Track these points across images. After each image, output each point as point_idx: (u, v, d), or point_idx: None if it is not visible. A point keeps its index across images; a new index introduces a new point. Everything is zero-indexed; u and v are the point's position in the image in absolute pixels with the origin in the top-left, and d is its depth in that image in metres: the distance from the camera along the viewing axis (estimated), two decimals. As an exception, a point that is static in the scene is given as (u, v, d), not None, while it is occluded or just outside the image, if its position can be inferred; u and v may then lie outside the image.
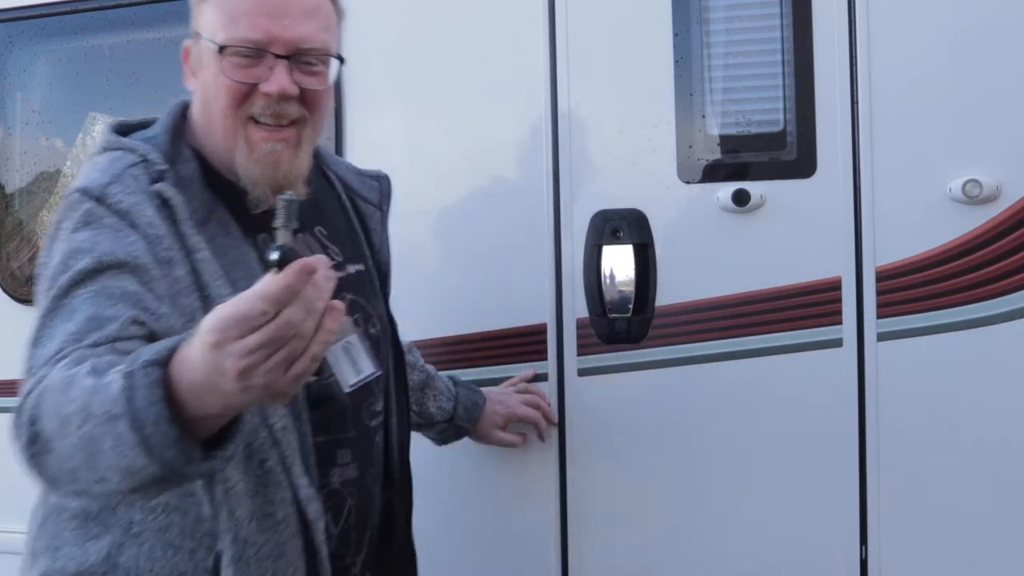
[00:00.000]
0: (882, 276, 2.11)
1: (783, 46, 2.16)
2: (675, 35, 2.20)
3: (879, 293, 2.11)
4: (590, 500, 2.24)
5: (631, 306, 2.20)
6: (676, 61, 2.20)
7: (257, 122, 1.45)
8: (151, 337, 1.30)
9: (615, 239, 2.21)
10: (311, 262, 1.04)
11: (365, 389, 1.57)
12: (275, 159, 1.45)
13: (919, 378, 2.10)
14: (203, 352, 1.06)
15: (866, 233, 2.12)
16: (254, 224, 1.48)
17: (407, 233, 2.04)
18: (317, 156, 1.62)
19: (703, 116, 2.20)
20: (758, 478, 2.17)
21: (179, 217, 1.40)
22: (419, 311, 2.20)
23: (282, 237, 1.05)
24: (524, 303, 2.26)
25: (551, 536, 2.26)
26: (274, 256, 1.04)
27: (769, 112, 2.18)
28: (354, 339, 1.30)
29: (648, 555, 2.23)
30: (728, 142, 2.20)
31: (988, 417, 2.08)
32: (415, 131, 2.38)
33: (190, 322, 1.28)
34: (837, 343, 2.13)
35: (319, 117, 1.51)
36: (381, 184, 1.78)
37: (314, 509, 1.46)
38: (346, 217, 1.69)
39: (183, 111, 1.55)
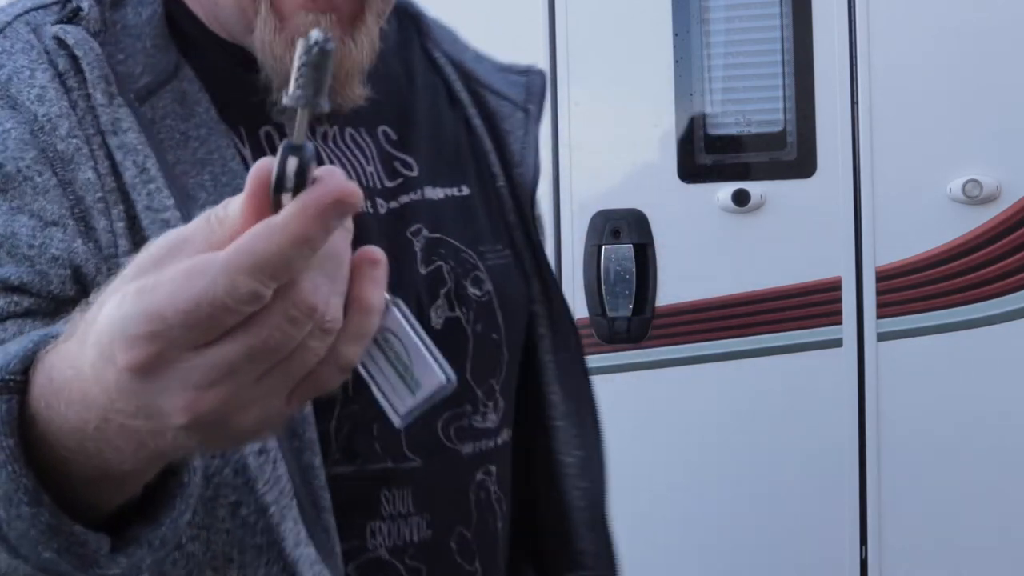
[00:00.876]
0: (882, 276, 2.11)
1: (783, 46, 2.16)
2: (675, 35, 2.20)
3: (879, 293, 2.11)
4: (590, 500, 2.24)
5: (631, 306, 2.20)
6: (676, 61, 2.20)
7: None
8: (50, 309, 0.74)
9: (615, 239, 2.21)
10: (346, 187, 0.49)
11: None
12: None
13: (919, 378, 2.10)
14: (111, 378, 0.51)
15: (866, 233, 2.12)
16: (250, 107, 0.84)
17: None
18: (419, 25, 1.03)
19: (703, 116, 2.20)
20: (758, 478, 2.17)
21: (88, 77, 0.78)
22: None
23: (301, 127, 0.51)
24: (524, 303, 2.26)
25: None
26: (291, 164, 0.50)
27: (769, 112, 2.18)
28: (396, 317, 0.60)
29: (646, 554, 2.23)
30: (728, 142, 2.20)
31: (988, 417, 2.08)
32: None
33: (111, 262, 0.75)
34: (837, 343, 2.13)
35: None
36: (530, 79, 1.11)
37: None
38: (456, 115, 1.01)
39: None
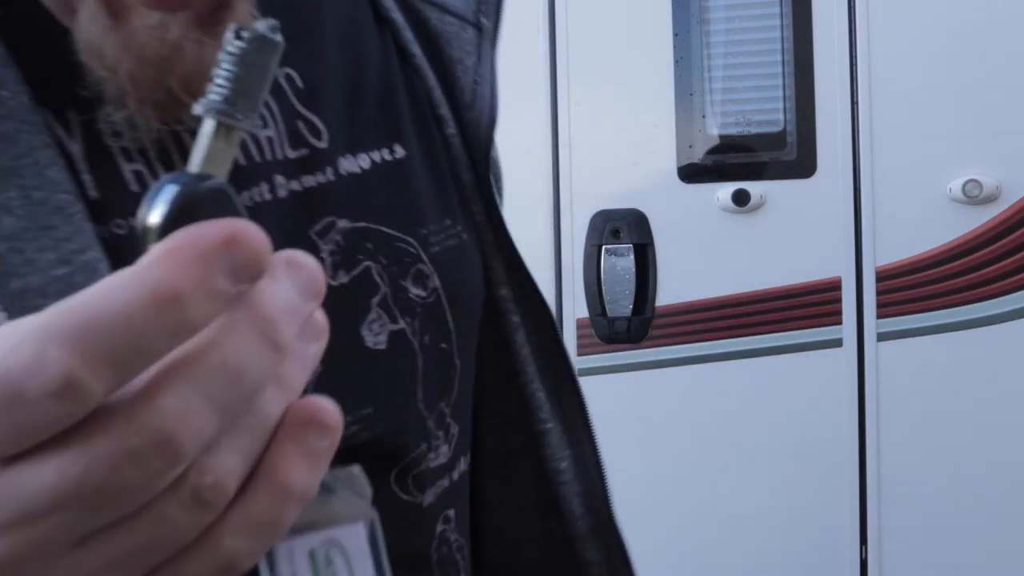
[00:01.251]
0: (882, 276, 2.11)
1: (783, 46, 2.16)
2: (675, 35, 2.20)
3: (879, 293, 2.11)
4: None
5: (631, 306, 2.20)
6: (676, 61, 2.20)
7: None
8: None
9: (615, 239, 2.21)
10: (255, 238, 0.30)
11: (393, 411, 0.66)
12: (169, 48, 0.53)
13: (919, 378, 2.10)
14: None
15: (866, 233, 2.12)
16: (76, 83, 0.55)
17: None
18: None
19: (703, 116, 2.20)
20: (758, 478, 2.17)
21: None
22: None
23: (205, 153, 0.32)
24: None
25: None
26: (155, 215, 0.31)
27: (769, 112, 2.18)
28: (360, 538, 0.39)
29: (646, 555, 2.23)
30: (728, 142, 2.20)
31: (988, 417, 2.08)
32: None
33: None
34: (837, 343, 2.13)
35: None
36: None
37: None
38: (385, 44, 0.72)
39: None
